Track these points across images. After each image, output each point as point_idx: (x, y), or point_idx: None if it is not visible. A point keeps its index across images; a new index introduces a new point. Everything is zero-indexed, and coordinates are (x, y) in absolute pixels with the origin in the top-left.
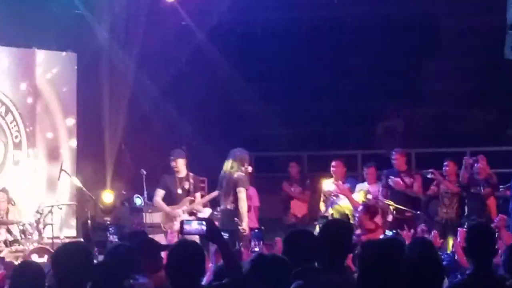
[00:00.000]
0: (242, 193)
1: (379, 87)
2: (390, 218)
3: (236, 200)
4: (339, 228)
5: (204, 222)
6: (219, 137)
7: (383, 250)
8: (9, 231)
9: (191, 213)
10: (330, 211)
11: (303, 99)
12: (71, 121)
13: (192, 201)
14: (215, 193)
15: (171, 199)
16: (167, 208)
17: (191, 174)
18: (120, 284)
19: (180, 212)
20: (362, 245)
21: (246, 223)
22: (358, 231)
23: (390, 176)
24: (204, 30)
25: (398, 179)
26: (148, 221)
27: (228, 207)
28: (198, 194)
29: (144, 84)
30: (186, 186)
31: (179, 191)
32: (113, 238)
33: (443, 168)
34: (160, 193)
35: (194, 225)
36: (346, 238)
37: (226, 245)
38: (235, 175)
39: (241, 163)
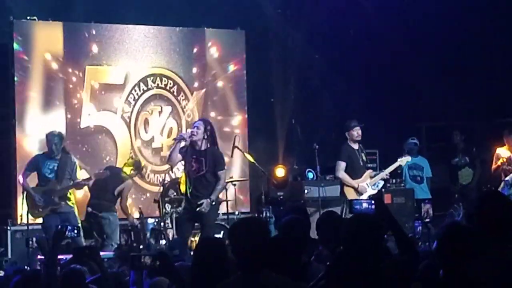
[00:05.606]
0: None
1: None
2: None
3: None
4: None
5: (373, 202)
6: (388, 109)
7: None
8: None
9: None
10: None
11: (470, 67)
12: (242, 98)
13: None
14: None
15: (352, 171)
16: (354, 182)
17: None
18: (297, 259)
19: (366, 186)
20: None
21: None
22: None
23: None
24: (371, 2)
25: None
26: (321, 195)
27: None
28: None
29: (313, 58)
30: (364, 157)
31: (361, 162)
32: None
33: None
34: (343, 166)
35: (364, 205)
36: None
37: (396, 223)
38: None
39: None
